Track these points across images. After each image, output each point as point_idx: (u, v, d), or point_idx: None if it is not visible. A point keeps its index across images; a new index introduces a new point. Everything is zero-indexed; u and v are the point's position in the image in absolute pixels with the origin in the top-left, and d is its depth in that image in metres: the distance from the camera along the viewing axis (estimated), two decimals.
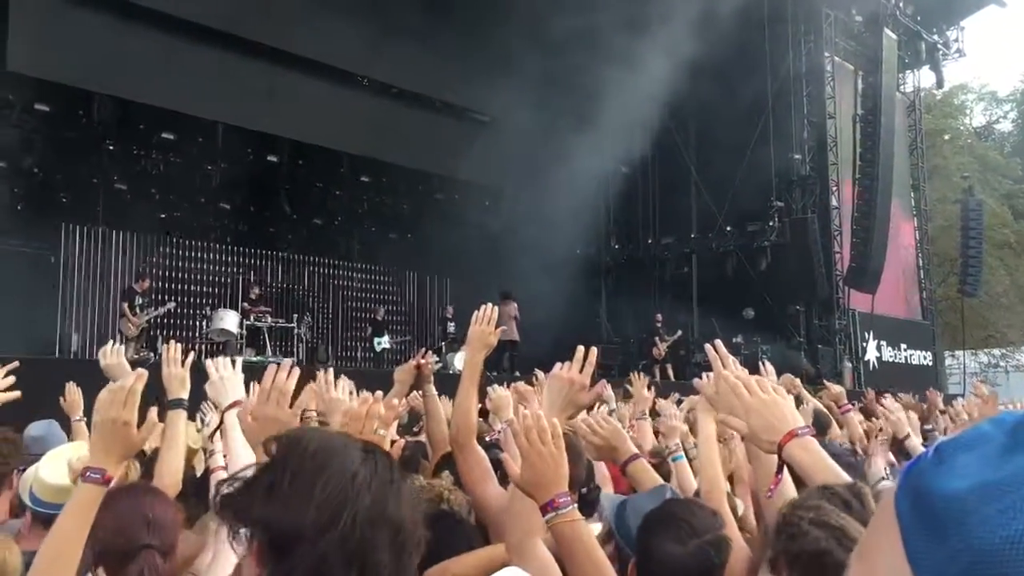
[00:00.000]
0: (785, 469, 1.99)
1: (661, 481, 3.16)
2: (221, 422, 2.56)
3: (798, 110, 19.14)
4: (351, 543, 1.22)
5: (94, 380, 4.11)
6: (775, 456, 1.98)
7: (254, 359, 13.41)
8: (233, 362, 2.77)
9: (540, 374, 5.16)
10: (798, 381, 6.68)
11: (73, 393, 4.60)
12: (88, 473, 1.92)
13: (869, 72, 19.78)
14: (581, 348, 2.32)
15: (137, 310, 13.89)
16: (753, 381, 2.07)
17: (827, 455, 1.95)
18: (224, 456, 2.93)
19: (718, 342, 2.19)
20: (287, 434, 1.37)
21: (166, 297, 15.84)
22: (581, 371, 2.29)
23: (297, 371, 2.09)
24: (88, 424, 3.97)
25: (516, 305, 16.45)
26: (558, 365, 2.34)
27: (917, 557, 0.49)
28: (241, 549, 1.28)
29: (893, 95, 20.28)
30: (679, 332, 18.20)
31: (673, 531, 2.02)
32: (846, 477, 1.91)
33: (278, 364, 2.09)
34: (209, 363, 2.71)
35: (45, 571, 1.82)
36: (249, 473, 1.33)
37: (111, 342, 3.49)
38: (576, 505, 1.95)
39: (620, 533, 2.32)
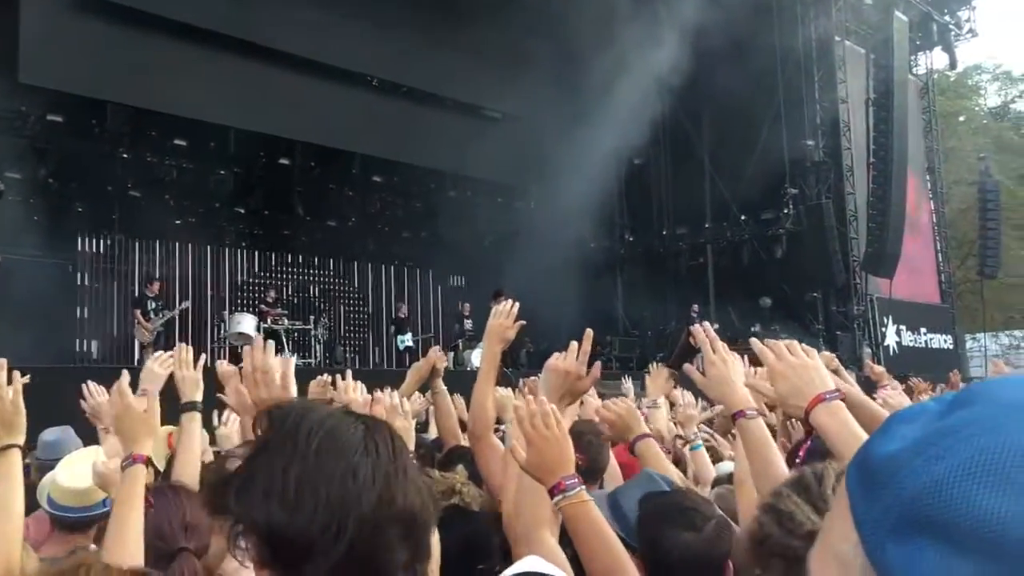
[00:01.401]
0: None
1: (668, 463, 3.19)
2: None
3: (809, 96, 19.02)
4: (360, 548, 1.11)
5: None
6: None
7: None
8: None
9: (532, 379, 5.14)
10: (836, 359, 6.37)
11: (97, 395, 3.81)
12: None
13: (880, 55, 19.67)
14: (575, 343, 2.34)
15: (151, 314, 13.89)
16: (783, 345, 2.04)
17: (854, 421, 1.90)
18: None
19: (706, 324, 2.23)
20: (277, 413, 1.21)
21: (180, 301, 15.95)
22: (577, 359, 2.31)
23: (272, 344, 2.04)
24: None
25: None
26: (555, 356, 2.37)
27: (859, 519, 0.52)
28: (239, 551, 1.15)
29: (905, 78, 20.12)
30: (715, 325, 17.75)
31: (687, 518, 2.02)
32: None
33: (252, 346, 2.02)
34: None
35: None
36: (239, 459, 1.19)
37: (177, 352, 3.29)
38: (584, 487, 1.96)
39: (620, 525, 2.31)
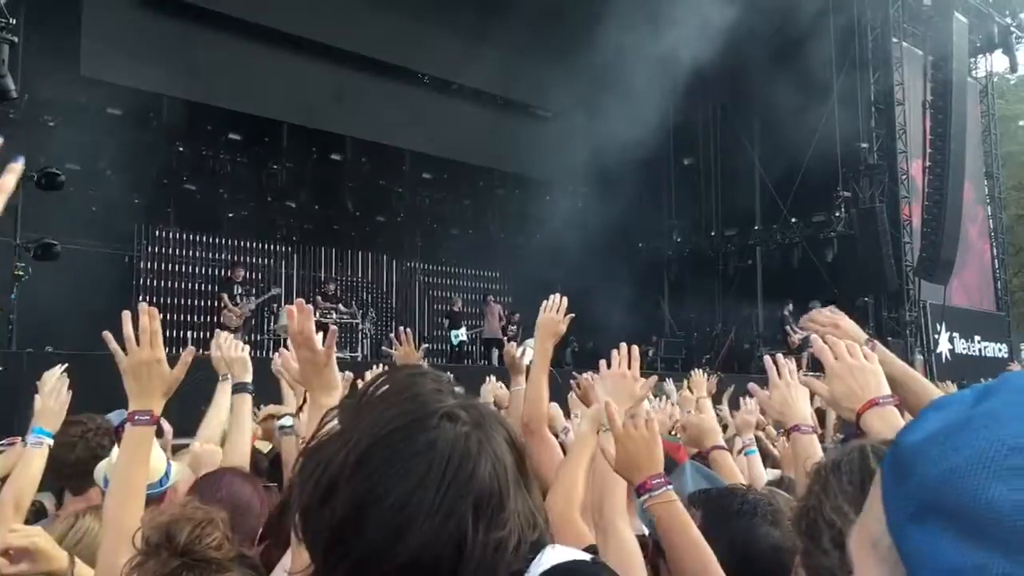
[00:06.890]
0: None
1: (740, 474, 3.19)
2: (305, 400, 2.61)
3: (865, 97, 18.69)
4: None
5: None
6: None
7: None
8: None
9: (586, 375, 5.10)
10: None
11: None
12: (136, 416, 1.96)
13: (939, 57, 19.25)
14: (617, 348, 2.48)
15: (238, 299, 13.82)
16: (843, 345, 2.02)
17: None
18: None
19: (779, 356, 2.39)
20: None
21: (260, 289, 15.92)
22: (629, 366, 2.44)
23: (309, 307, 1.89)
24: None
25: (500, 307, 17.20)
26: (603, 364, 2.49)
27: (887, 502, 0.56)
28: None
29: (964, 80, 19.67)
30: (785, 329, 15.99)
31: (767, 515, 2.02)
32: None
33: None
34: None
35: (116, 512, 1.88)
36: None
37: (223, 334, 3.44)
38: (671, 487, 2.01)
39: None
